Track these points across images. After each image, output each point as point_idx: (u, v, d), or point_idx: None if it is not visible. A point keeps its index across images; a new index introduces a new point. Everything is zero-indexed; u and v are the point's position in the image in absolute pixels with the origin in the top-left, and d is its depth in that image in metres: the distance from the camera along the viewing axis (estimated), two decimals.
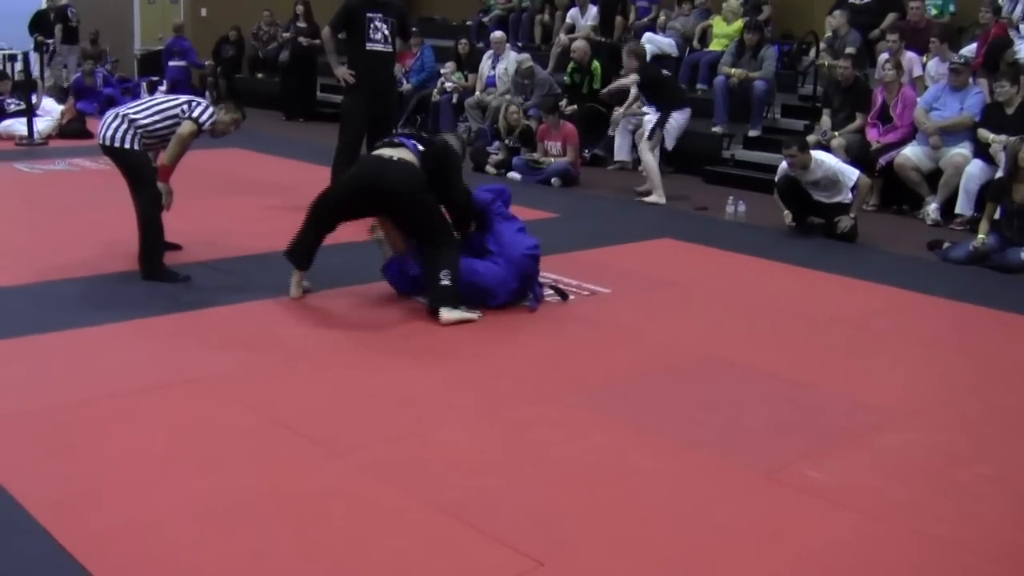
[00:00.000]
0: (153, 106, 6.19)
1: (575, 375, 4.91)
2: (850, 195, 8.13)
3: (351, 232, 6.33)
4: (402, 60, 9.05)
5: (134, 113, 6.07)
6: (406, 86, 14.22)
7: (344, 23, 8.40)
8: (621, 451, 4.05)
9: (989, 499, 3.77)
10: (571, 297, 6.12)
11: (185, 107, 6.13)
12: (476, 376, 4.87)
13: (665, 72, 10.75)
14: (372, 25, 8.25)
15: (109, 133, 6.00)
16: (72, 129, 12.58)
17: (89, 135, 12.62)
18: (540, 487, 3.70)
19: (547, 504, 3.57)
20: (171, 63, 14.66)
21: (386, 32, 8.30)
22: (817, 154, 8.22)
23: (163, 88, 15.63)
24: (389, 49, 8.40)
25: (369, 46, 8.28)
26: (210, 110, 6.18)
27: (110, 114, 6.15)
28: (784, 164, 8.29)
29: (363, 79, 8.31)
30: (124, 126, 6.00)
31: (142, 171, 6.09)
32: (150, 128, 6.05)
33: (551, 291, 6.14)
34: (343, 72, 8.39)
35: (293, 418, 4.23)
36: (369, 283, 6.23)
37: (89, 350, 5.00)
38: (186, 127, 6.04)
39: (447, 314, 5.55)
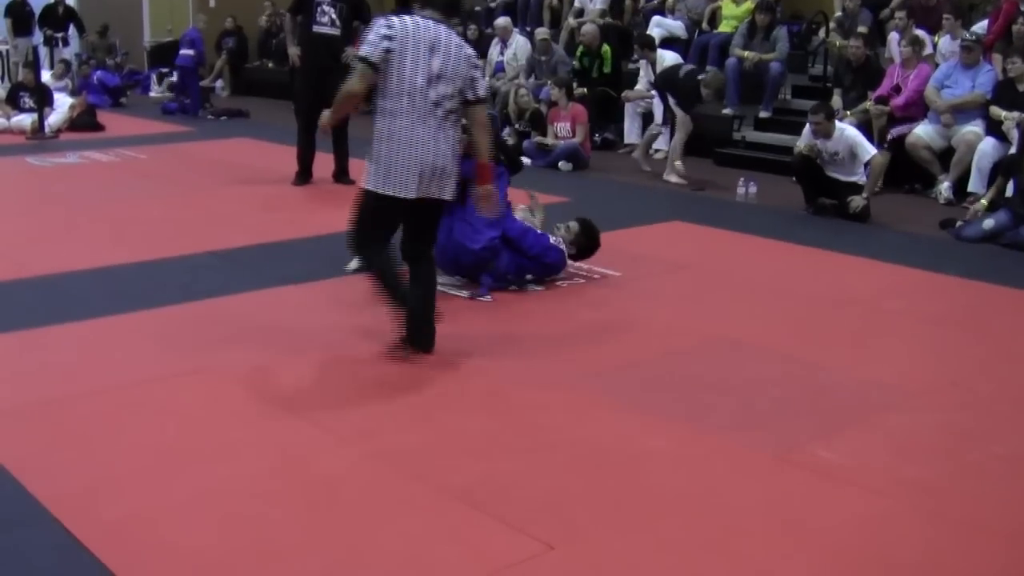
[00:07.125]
0: None
1: (586, 359, 4.90)
2: (863, 174, 8.09)
3: None
4: (358, 45, 9.35)
5: None
6: None
7: (298, 7, 9.23)
8: (631, 434, 4.05)
9: (1001, 478, 3.75)
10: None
11: None
12: (486, 361, 4.85)
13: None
14: (320, 9, 8.97)
15: None
16: (82, 122, 12.60)
17: (100, 127, 12.66)
18: (550, 471, 3.70)
19: (557, 488, 3.56)
20: (182, 51, 14.64)
21: (333, 16, 8.98)
22: (840, 124, 8.20)
23: (174, 79, 15.63)
24: (336, 32, 9.02)
25: (316, 28, 9.02)
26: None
27: None
28: (805, 132, 8.26)
29: (309, 60, 9.09)
30: None
31: None
32: None
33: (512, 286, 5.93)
34: (293, 52, 9.32)
35: (303, 406, 4.24)
36: None
37: (99, 341, 5.01)
38: None
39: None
